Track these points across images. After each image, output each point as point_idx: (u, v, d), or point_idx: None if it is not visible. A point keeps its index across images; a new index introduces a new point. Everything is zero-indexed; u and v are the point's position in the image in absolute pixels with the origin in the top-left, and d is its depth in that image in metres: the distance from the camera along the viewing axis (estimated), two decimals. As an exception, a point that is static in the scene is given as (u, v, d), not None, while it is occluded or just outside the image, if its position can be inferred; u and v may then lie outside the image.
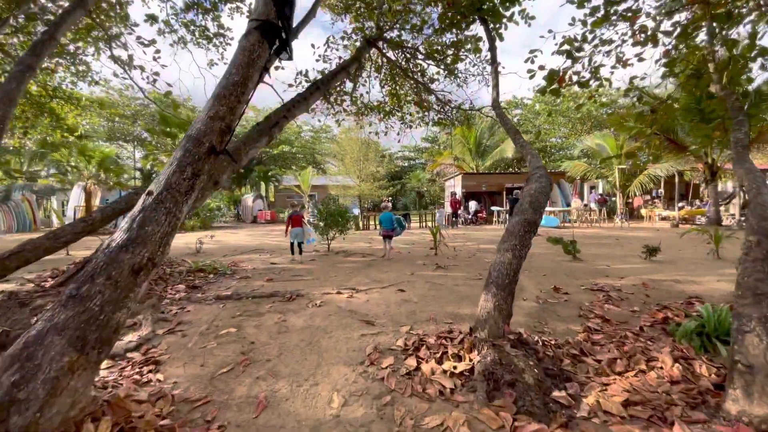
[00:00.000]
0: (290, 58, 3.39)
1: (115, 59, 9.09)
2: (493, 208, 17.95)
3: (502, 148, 24.58)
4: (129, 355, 3.13)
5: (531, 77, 5.96)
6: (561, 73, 5.87)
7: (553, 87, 5.85)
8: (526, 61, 6.04)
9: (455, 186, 19.87)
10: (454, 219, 16.64)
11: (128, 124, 26.91)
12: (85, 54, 9.67)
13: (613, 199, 20.85)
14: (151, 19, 8.21)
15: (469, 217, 18.10)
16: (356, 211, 31.00)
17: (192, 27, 9.04)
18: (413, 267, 6.73)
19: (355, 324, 3.69)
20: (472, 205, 18.18)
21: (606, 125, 26.58)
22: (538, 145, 29.80)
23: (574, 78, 6.14)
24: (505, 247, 3.45)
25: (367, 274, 6.10)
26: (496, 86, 6.64)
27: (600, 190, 21.75)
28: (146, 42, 8.98)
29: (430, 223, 16.72)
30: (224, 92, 2.92)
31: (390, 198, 34.68)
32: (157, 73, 9.36)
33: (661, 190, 19.82)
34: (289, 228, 7.93)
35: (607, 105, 19.78)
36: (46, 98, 10.20)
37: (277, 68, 8.05)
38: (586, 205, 17.89)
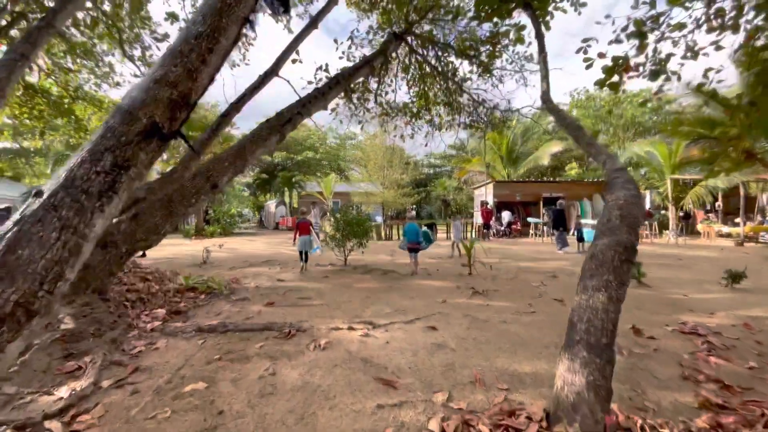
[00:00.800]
0: (286, 10, 2.43)
1: (130, 58, 8.65)
2: (531, 219, 16.45)
3: (536, 155, 23.03)
4: (47, 424, 2.20)
5: (588, 67, 4.89)
6: (626, 61, 4.78)
7: (611, 81, 4.78)
8: (578, 52, 5.00)
9: (486, 195, 18.52)
10: (485, 231, 15.29)
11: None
12: (107, 54, 9.38)
13: (662, 212, 18.86)
14: (172, 17, 7.66)
15: (502, 228, 16.69)
16: (379, 219, 30.04)
17: (213, 25, 8.48)
18: (445, 291, 5.61)
19: (370, 384, 2.63)
20: (506, 215, 16.75)
21: (653, 131, 24.52)
22: (576, 153, 27.94)
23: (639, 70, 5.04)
24: (595, 284, 2.30)
25: (388, 299, 5.03)
26: (545, 77, 5.58)
27: (647, 203, 19.77)
28: (159, 37, 8.45)
29: (467, 235, 15.36)
30: (182, 47, 1.97)
31: (413, 206, 33.53)
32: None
33: (719, 203, 17.71)
34: (297, 236, 7.55)
35: (671, 101, 17.73)
36: (68, 99, 10.00)
37: (294, 62, 7.25)
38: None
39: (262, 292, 5.39)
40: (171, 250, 11.31)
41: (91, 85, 10.29)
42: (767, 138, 12.48)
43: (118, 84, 10.32)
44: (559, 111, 5.14)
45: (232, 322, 3.82)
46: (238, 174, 4.55)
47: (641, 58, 4.85)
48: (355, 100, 8.58)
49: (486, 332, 3.67)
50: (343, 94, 8.06)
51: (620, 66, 4.75)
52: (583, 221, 17.04)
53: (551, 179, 24.20)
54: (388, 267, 7.95)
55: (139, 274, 5.53)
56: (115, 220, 3.02)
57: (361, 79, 8.17)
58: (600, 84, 4.78)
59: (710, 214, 18.66)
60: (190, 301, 4.61)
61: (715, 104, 14.35)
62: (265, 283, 6.08)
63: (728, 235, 15.32)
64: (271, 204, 25.55)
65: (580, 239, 11.38)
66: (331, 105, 9.71)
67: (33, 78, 9.38)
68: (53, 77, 9.57)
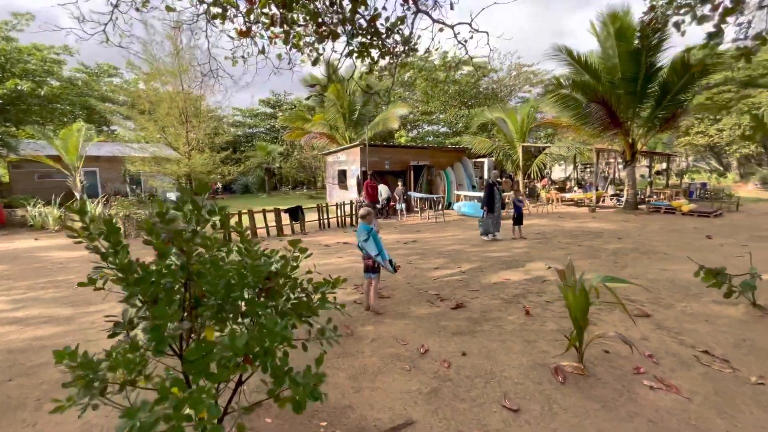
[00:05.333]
0: None
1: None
2: (415, 193, 12.83)
3: (385, 117, 19.67)
4: None
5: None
6: None
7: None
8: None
9: (351, 162, 13.77)
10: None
11: None
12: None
13: (504, 179, 18.96)
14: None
15: (379, 206, 12.47)
16: (172, 196, 20.72)
17: None
18: None
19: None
20: (383, 190, 12.54)
21: (477, 100, 25.14)
22: (410, 119, 26.41)
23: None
24: None
25: None
26: None
27: (486, 169, 19.49)
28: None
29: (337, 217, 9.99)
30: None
31: (216, 179, 25.02)
32: None
33: (547, 171, 19.02)
34: None
35: (495, 70, 16.99)
36: None
37: None
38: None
39: None
40: None
41: None
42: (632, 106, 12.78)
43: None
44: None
45: None
46: None
47: None
48: None
49: None
50: None
51: None
52: (460, 193, 14.81)
53: (411, 145, 21.42)
54: None
55: None
56: None
57: None
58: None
59: (544, 181, 19.63)
60: None
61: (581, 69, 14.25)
62: None
63: (569, 201, 16.08)
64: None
65: (518, 221, 8.37)
66: None
67: None
68: None
